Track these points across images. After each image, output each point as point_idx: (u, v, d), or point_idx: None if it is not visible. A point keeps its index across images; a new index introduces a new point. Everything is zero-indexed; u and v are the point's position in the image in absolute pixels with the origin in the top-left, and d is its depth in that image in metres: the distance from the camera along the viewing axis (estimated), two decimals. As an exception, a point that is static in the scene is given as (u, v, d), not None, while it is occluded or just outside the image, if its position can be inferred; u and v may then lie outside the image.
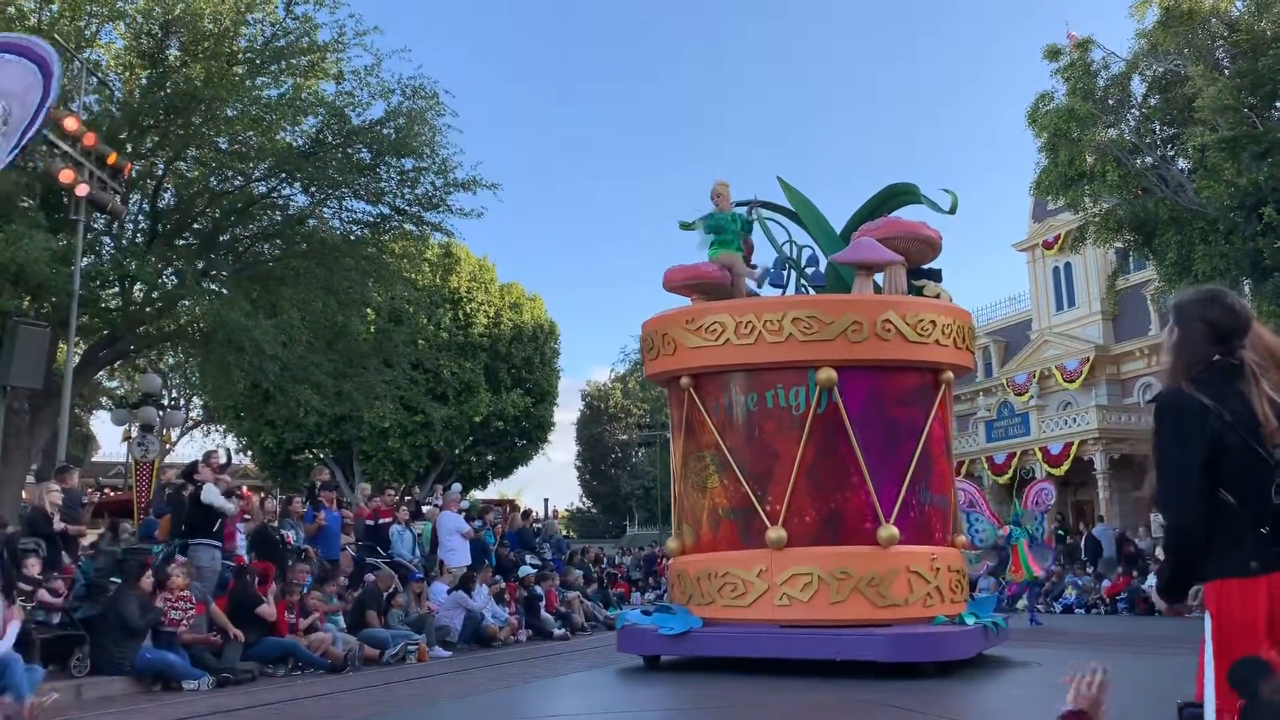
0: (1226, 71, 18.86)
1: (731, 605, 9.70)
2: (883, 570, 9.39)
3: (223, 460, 14.11)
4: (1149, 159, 20.78)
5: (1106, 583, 22.47)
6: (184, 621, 10.15)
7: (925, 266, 11.29)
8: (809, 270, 11.80)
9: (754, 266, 11.57)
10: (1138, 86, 21.34)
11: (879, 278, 10.69)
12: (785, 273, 11.81)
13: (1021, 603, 22.46)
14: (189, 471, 12.10)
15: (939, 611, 9.59)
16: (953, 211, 11.50)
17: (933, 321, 9.99)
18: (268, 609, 10.92)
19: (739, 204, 11.80)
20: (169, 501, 13.44)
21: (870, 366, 9.87)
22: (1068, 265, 35.78)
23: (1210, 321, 2.96)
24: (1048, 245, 35.94)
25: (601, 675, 10.31)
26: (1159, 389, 3.12)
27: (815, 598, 9.38)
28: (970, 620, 9.74)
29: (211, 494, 11.37)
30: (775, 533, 9.53)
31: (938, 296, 10.82)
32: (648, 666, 10.12)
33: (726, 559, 9.86)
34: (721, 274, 10.92)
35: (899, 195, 11.80)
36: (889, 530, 9.45)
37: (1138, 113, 21.11)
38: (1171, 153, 20.94)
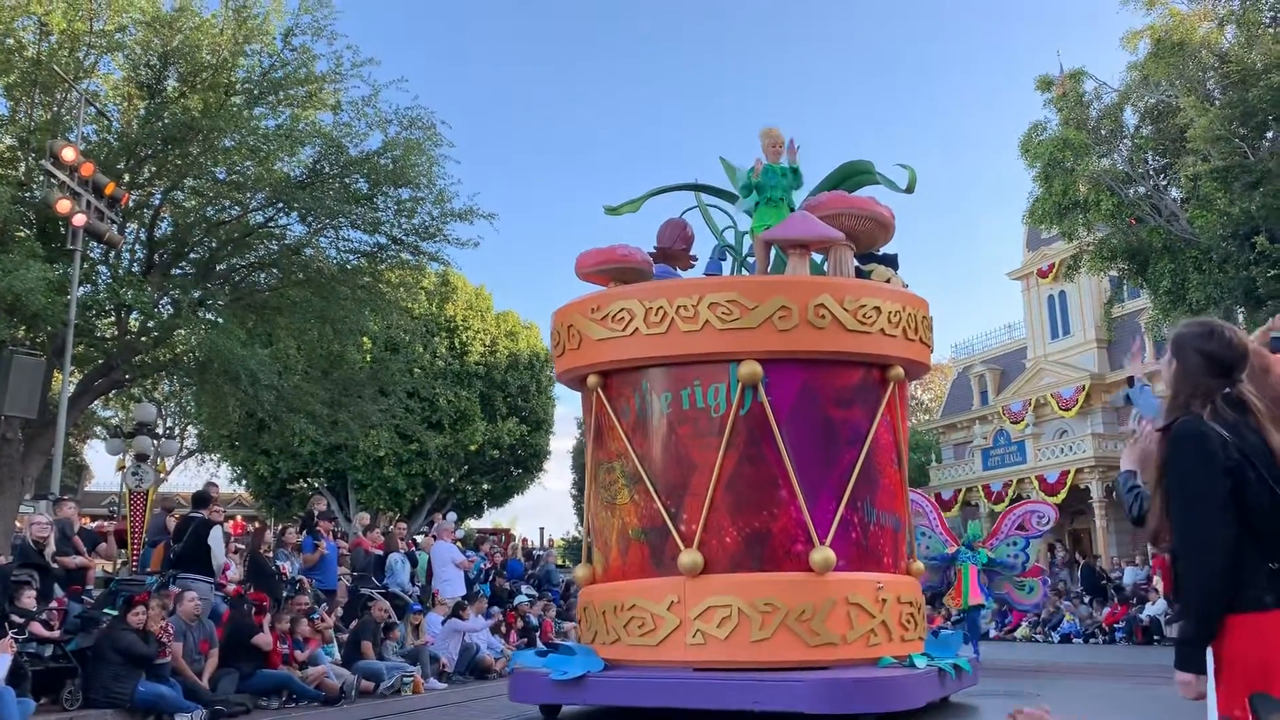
0: (1217, 102, 19.02)
1: (638, 644, 8.31)
2: (816, 602, 7.98)
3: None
4: (1142, 188, 20.91)
5: (1106, 610, 22.46)
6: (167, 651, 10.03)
7: (880, 252, 10.06)
8: (751, 260, 10.31)
9: (694, 258, 10.25)
10: (1130, 117, 21.53)
11: (825, 264, 9.36)
12: (726, 262, 10.50)
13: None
14: (201, 500, 11.98)
15: (885, 651, 8.20)
16: (910, 189, 10.21)
17: (877, 308, 8.58)
18: (263, 638, 10.85)
19: (676, 188, 10.63)
20: (178, 529, 13.15)
21: (802, 359, 8.47)
22: (1062, 294, 35.92)
23: (1208, 354, 2.95)
24: (1042, 274, 36.10)
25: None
26: (1166, 419, 3.01)
27: (734, 634, 7.97)
28: (921, 662, 8.32)
29: (217, 543, 11.33)
30: (689, 557, 8.13)
31: (888, 282, 9.47)
32: (546, 719, 8.74)
33: (633, 589, 8.50)
34: (640, 257, 9.53)
35: (856, 175, 10.36)
36: (824, 553, 8.03)
37: (1130, 143, 21.26)
38: (1164, 182, 21.07)
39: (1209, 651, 2.81)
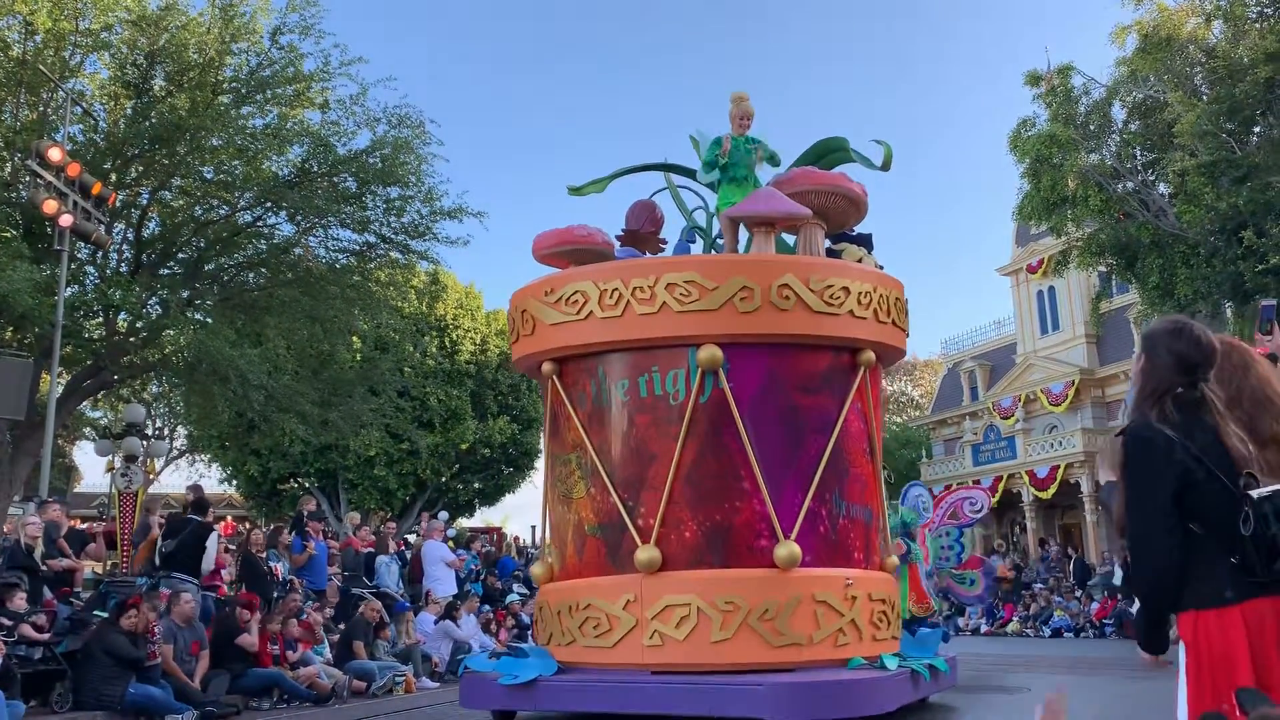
0: (1205, 97, 19.09)
1: (594, 645, 7.87)
2: (781, 599, 7.53)
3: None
4: (1130, 184, 20.97)
5: (1095, 605, 22.56)
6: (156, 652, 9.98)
7: (854, 232, 9.64)
8: (722, 242, 9.69)
9: (664, 240, 9.86)
10: (1118, 113, 21.60)
11: (796, 243, 8.99)
12: (696, 244, 10.02)
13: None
14: (201, 506, 11.94)
15: (854, 652, 7.73)
16: (886, 167, 9.65)
17: (845, 288, 8.09)
18: (248, 639, 10.82)
19: (644, 168, 10.16)
20: (171, 529, 13.05)
21: (766, 343, 8.01)
22: (1051, 289, 36.02)
23: (1176, 353, 2.99)
24: (1031, 269, 36.18)
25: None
26: (1125, 420, 3.12)
27: (694, 635, 7.52)
28: (893, 663, 7.80)
29: (214, 547, 11.37)
30: (646, 553, 7.70)
31: (859, 262, 8.98)
32: None
33: (588, 587, 8.09)
34: (600, 238, 9.10)
35: (831, 153, 9.85)
36: (789, 548, 7.60)
37: (1118, 138, 21.32)
38: (1152, 177, 21.14)
39: (1177, 639, 2.94)
